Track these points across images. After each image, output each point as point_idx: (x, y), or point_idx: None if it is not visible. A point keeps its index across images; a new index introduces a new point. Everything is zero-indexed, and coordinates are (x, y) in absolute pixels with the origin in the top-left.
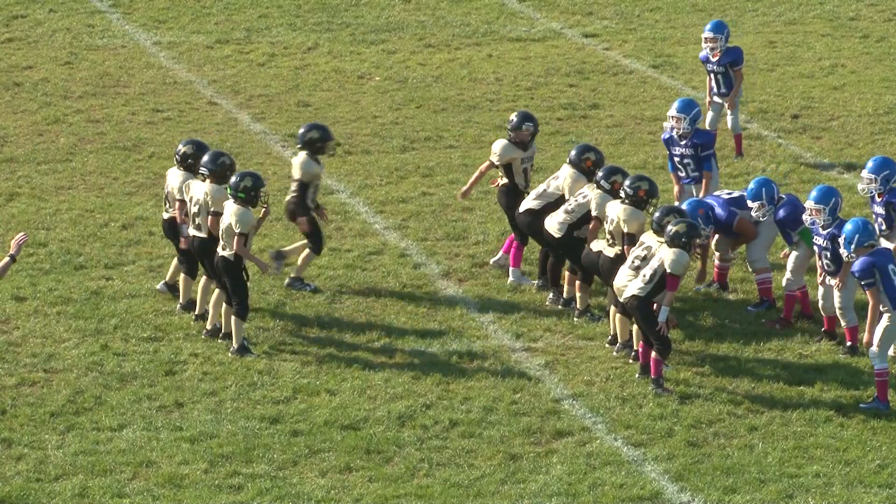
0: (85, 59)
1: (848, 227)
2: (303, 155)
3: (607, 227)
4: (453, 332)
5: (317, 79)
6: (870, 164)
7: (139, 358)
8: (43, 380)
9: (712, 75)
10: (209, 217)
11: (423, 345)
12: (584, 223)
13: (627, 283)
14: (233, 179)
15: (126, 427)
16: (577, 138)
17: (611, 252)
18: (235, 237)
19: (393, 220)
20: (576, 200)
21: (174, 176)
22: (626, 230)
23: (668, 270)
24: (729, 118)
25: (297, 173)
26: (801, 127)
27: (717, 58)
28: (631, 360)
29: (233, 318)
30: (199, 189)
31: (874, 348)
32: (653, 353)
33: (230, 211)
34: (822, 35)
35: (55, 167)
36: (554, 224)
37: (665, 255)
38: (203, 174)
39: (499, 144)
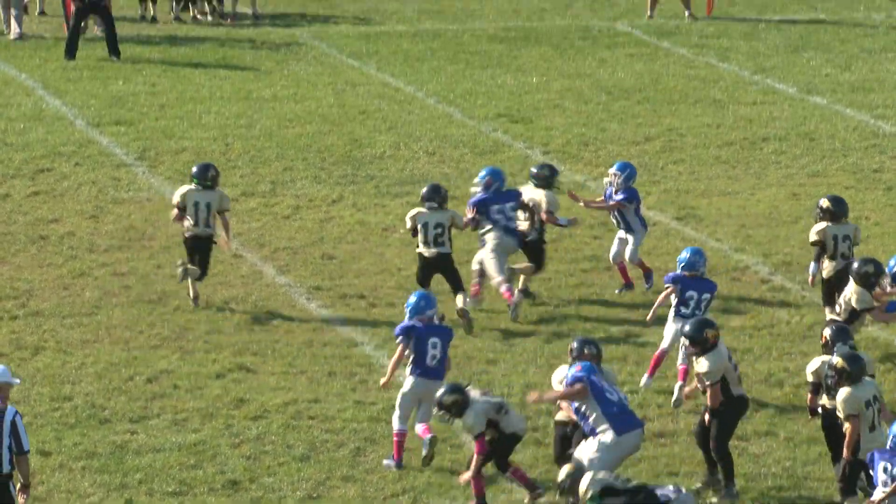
0: (111, 212)
1: None
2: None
3: None
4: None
5: (341, 231)
6: None
7: None
8: None
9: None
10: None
11: (448, 500)
12: None
13: None
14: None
15: None
16: (600, 290)
17: None
18: None
19: None
20: None
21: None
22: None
23: None
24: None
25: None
26: None
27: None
28: None
29: None
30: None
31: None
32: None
33: None
34: (845, 187)
35: (80, 321)
36: None
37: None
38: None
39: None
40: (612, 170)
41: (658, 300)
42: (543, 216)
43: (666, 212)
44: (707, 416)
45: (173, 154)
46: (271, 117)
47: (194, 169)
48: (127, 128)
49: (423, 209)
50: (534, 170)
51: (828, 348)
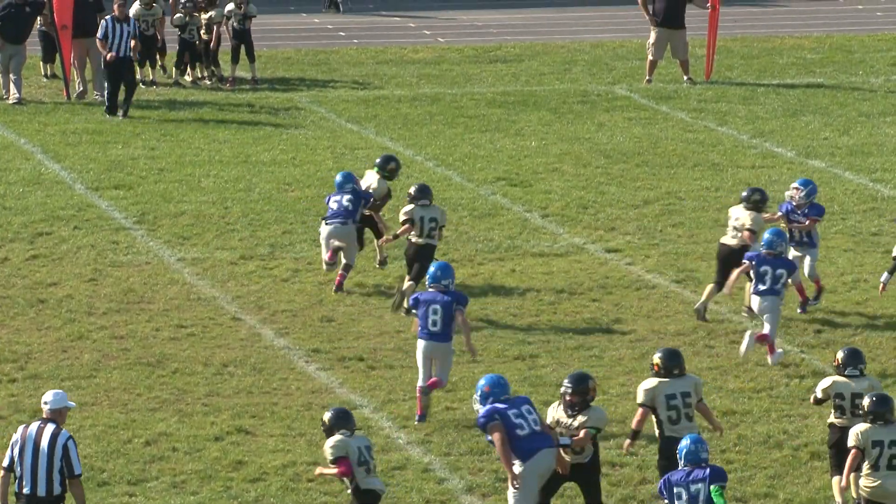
0: (109, 275)
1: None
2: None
3: None
4: None
5: (340, 294)
6: None
7: None
8: None
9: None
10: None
11: None
12: None
13: None
14: None
15: None
16: (600, 352)
17: None
18: None
19: (416, 434)
20: None
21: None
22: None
23: None
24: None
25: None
26: (824, 342)
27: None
28: None
29: None
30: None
31: None
32: None
33: None
34: (844, 250)
35: (79, 383)
36: None
37: None
38: None
39: None
40: (795, 184)
41: (734, 274)
42: (746, 235)
43: (665, 274)
44: None
45: (172, 217)
46: (270, 181)
47: (378, 160)
48: (126, 192)
49: (415, 206)
50: (744, 194)
51: (839, 370)
